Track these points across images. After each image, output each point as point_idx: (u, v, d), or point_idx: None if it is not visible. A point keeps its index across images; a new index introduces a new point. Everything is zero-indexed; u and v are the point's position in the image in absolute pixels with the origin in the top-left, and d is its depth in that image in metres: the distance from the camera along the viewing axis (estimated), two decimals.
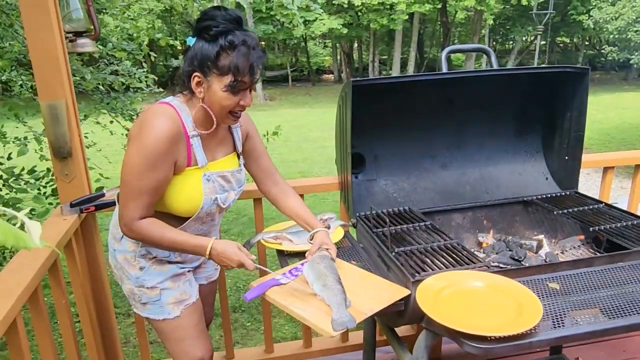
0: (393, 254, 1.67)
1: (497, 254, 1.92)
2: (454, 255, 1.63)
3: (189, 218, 1.58)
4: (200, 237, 1.57)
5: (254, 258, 1.56)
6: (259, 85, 22.15)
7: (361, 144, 2.21)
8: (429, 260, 1.61)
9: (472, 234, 2.20)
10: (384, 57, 30.52)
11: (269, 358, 2.49)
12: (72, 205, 1.98)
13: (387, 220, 1.65)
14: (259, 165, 1.79)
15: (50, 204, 3.24)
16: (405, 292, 1.48)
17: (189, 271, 1.74)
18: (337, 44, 28.22)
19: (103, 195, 2.01)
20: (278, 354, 2.49)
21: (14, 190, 3.03)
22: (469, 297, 1.41)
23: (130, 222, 1.48)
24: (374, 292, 1.49)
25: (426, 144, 2.33)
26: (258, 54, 1.44)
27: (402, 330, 2.59)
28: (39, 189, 3.19)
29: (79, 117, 2.19)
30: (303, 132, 13.26)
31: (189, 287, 1.71)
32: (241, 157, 1.73)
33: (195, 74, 1.45)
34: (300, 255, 1.83)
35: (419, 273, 1.52)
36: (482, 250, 2.03)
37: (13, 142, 3.49)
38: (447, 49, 2.11)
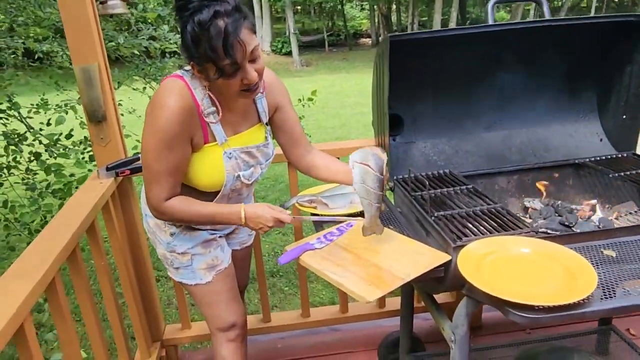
0: (432, 218, 1.59)
1: (545, 219, 1.81)
2: (497, 220, 1.54)
3: (218, 192, 1.55)
4: (232, 205, 1.53)
5: (288, 213, 1.52)
6: (294, 51, 21.89)
7: (399, 105, 2.11)
8: (470, 225, 1.53)
9: (518, 198, 2.09)
10: (423, 18, 29.42)
11: (305, 322, 2.49)
12: (108, 169, 1.99)
13: (427, 183, 1.57)
14: (290, 136, 1.71)
15: (90, 170, 3.31)
16: (445, 257, 1.41)
17: (220, 237, 1.72)
18: (375, 6, 27.37)
19: (138, 159, 2.01)
20: (314, 319, 2.49)
21: (55, 155, 3.11)
22: (514, 264, 1.32)
23: (158, 204, 1.46)
24: (412, 257, 1.43)
25: (469, 104, 2.20)
26: (233, 25, 1.21)
27: (441, 297, 2.53)
28: (76, 155, 3.26)
29: (113, 85, 2.18)
30: (340, 97, 13.06)
31: (220, 252, 1.69)
32: (268, 128, 1.66)
33: (191, 62, 1.33)
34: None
35: (460, 238, 1.44)
36: (528, 216, 1.92)
37: (55, 109, 3.56)
38: None
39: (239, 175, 1.54)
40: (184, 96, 1.38)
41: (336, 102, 12.20)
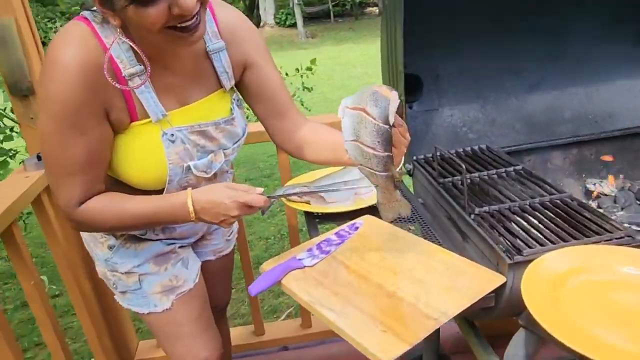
0: (472, 216, 1.11)
1: (623, 209, 1.31)
2: (569, 218, 1.05)
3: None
4: (174, 194, 1.05)
5: (260, 190, 1.04)
6: (299, 23, 21.16)
7: (416, 62, 1.60)
8: (528, 226, 1.05)
9: (577, 180, 1.59)
10: None
11: (307, 334, 2.05)
12: (40, 158, 1.52)
13: (464, 167, 1.08)
14: (271, 105, 1.17)
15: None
16: (497, 280, 0.94)
17: (182, 247, 1.25)
18: None
19: None
20: (317, 329, 2.05)
21: None
22: (612, 294, 0.84)
23: (69, 211, 0.99)
24: (446, 279, 0.96)
25: (507, 56, 1.68)
26: None
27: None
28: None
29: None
30: (347, 68, 12.46)
31: (182, 269, 1.23)
32: (235, 96, 1.17)
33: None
34: (336, 218, 1.31)
35: (518, 250, 0.96)
36: (597, 204, 1.43)
37: None
38: None
39: (189, 167, 1.06)
40: (86, 46, 0.89)
41: (343, 74, 11.60)
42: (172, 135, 1.03)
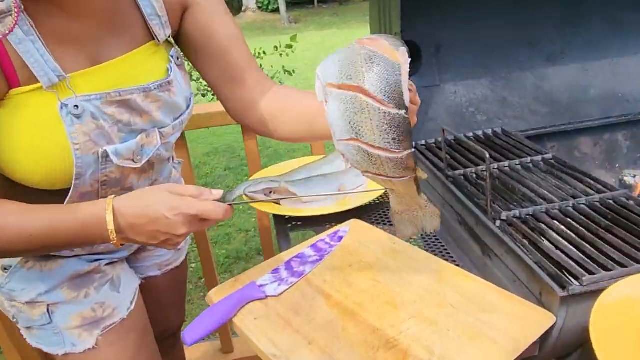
0: (498, 223, 0.81)
1: None
2: (632, 226, 0.76)
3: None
4: (87, 203, 0.73)
5: (218, 194, 0.73)
6: (282, 8, 20.69)
7: (413, 28, 1.30)
8: (577, 237, 0.75)
9: (610, 170, 1.31)
10: None
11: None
12: None
13: (487, 155, 0.78)
14: (225, 66, 0.84)
15: None
16: (544, 320, 0.65)
17: (110, 264, 0.93)
18: None
19: None
20: None
21: None
22: None
23: None
24: (471, 318, 0.66)
25: (521, 24, 1.39)
26: None
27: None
28: None
29: None
30: (330, 54, 12.08)
31: (110, 294, 0.90)
32: (174, 51, 0.83)
33: None
34: (315, 222, 1.01)
35: (573, 277, 0.66)
36: None
37: None
38: None
39: (106, 154, 0.74)
40: None
41: None
42: (77, 107, 0.70)
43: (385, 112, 0.52)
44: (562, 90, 1.40)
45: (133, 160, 0.77)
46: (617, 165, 1.30)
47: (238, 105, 0.87)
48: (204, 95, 3.69)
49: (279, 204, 1.04)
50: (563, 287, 0.65)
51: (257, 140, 1.41)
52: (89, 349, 0.88)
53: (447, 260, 0.89)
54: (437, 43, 1.38)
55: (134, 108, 0.75)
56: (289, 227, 1.02)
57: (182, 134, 1.38)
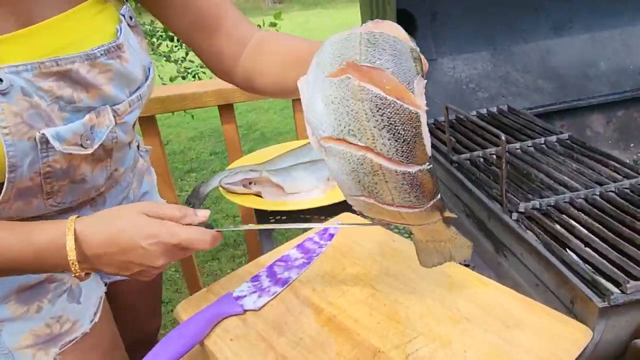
0: (515, 215, 0.69)
1: None
2: None
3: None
4: (43, 224, 0.60)
5: (205, 215, 0.59)
6: None
7: None
8: (611, 234, 0.64)
9: (624, 151, 1.20)
10: None
11: None
12: None
13: (503, 138, 0.66)
14: (194, 13, 0.69)
15: None
16: (581, 337, 0.53)
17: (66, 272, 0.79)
18: None
19: None
20: None
21: None
22: None
23: None
24: (493, 336, 0.55)
25: None
26: None
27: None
28: None
29: None
30: (316, 34, 11.87)
31: (69, 305, 0.77)
32: (126, 8, 0.68)
33: None
34: (301, 218, 0.88)
35: (615, 283, 0.55)
36: None
37: None
38: None
39: (45, 139, 0.59)
40: None
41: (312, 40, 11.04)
42: (1, 81, 0.56)
43: (404, 173, 0.41)
44: (569, 63, 1.28)
45: (82, 146, 0.63)
46: (632, 145, 1.19)
47: (215, 58, 0.73)
48: (184, 78, 3.51)
49: (260, 196, 0.91)
50: (602, 296, 0.54)
51: (241, 123, 1.27)
52: None
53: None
54: (432, 11, 1.24)
55: (77, 81, 0.61)
56: (272, 220, 0.89)
57: (153, 119, 1.24)
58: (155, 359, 0.55)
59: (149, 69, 0.72)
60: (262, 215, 0.90)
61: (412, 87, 0.39)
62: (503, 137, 0.66)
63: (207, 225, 0.56)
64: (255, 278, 0.68)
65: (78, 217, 0.58)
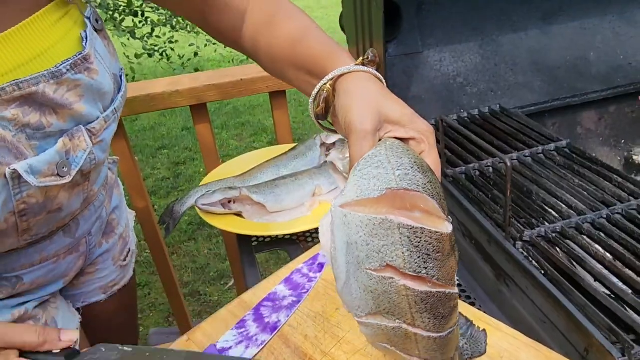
0: (520, 245, 0.65)
1: None
2: None
3: None
4: None
5: (70, 339, 0.50)
6: None
7: None
8: (622, 266, 0.60)
9: (615, 147, 1.17)
10: None
11: None
12: None
13: (509, 164, 0.60)
14: None
15: None
16: None
17: (42, 305, 0.72)
18: None
19: None
20: None
21: None
22: None
23: None
24: None
25: None
26: None
27: None
28: None
29: None
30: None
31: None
32: (90, 11, 0.59)
33: None
34: (287, 242, 0.82)
35: (636, 334, 0.51)
36: None
37: None
38: None
39: (17, 174, 0.51)
40: None
41: None
42: None
43: (436, 338, 0.42)
44: (559, 56, 1.23)
45: (58, 175, 0.55)
46: (623, 141, 1.15)
47: (220, 37, 0.66)
48: (150, 56, 3.33)
49: (242, 216, 0.84)
50: (623, 350, 0.50)
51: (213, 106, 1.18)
52: None
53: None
54: (418, 1, 1.16)
55: (44, 103, 0.52)
56: (254, 245, 0.82)
57: (119, 121, 1.14)
58: None
59: (121, 77, 0.64)
60: (244, 243, 0.83)
61: (454, 281, 0.41)
62: (509, 164, 0.61)
63: (71, 351, 0.47)
64: (241, 324, 0.62)
65: None
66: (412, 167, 0.40)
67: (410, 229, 0.38)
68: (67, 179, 0.56)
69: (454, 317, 0.42)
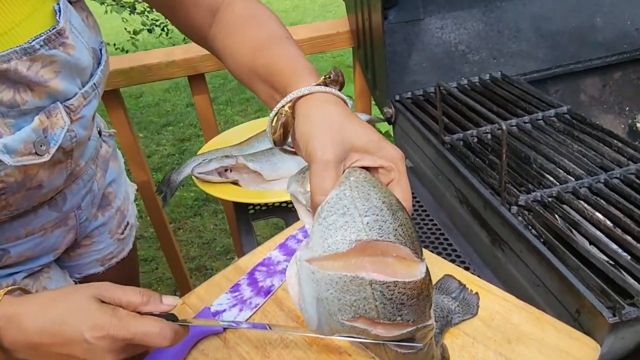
0: (514, 209, 0.64)
1: None
2: None
3: None
4: None
5: (172, 303, 0.49)
6: None
7: None
8: (620, 232, 0.60)
9: (619, 115, 1.14)
10: None
11: None
12: None
13: (504, 127, 0.59)
14: None
15: None
16: (588, 351, 0.50)
17: (30, 275, 0.72)
18: None
19: None
20: None
21: None
22: None
23: None
24: (496, 354, 0.51)
25: None
26: None
27: None
28: None
29: None
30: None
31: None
32: None
33: None
34: (283, 209, 0.82)
35: (628, 296, 0.51)
36: None
37: None
38: None
39: None
40: None
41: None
42: None
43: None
44: (563, 21, 1.20)
45: (36, 154, 0.55)
46: (627, 108, 1.13)
47: (188, 32, 0.65)
48: (150, 31, 3.30)
49: (238, 184, 0.84)
50: (613, 309, 0.49)
51: (217, 73, 1.17)
52: None
53: (446, 249, 0.72)
54: None
55: (17, 80, 0.51)
56: (251, 213, 0.82)
57: (117, 93, 1.13)
58: None
59: (101, 50, 0.63)
60: (240, 210, 0.83)
61: (430, 313, 0.42)
62: (504, 127, 0.60)
63: (169, 316, 0.47)
64: (235, 287, 0.62)
65: (12, 288, 0.48)
66: (380, 210, 0.38)
67: (383, 284, 0.37)
68: (46, 158, 0.55)
69: (428, 337, 0.43)
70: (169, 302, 0.48)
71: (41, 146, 0.54)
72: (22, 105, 0.52)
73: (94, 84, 0.61)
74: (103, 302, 0.46)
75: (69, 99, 0.57)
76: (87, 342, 0.43)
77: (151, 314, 0.46)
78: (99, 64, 0.62)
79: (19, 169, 0.54)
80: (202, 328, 0.57)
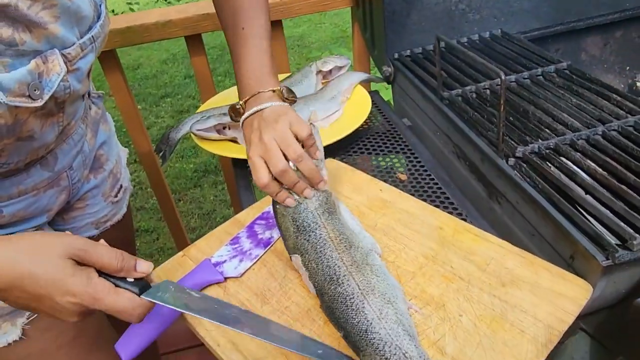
0: (511, 160, 0.65)
1: None
2: None
3: None
4: None
5: (147, 268, 0.51)
6: None
7: None
8: (615, 181, 0.60)
9: (619, 74, 1.14)
10: None
11: None
12: None
13: (503, 77, 0.59)
14: None
15: None
16: (581, 292, 0.51)
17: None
18: None
19: None
20: None
21: None
22: None
23: None
24: (491, 296, 0.52)
25: None
26: None
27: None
28: None
29: None
30: None
31: None
32: None
33: None
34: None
35: (620, 239, 0.52)
36: None
37: None
38: None
39: None
40: None
41: None
42: None
43: None
44: None
45: (30, 97, 0.55)
46: (628, 68, 1.12)
47: None
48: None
49: (237, 142, 0.84)
50: (606, 253, 0.50)
51: (215, 44, 1.16)
52: (14, 340, 0.71)
53: (443, 202, 0.73)
54: None
55: (17, 18, 0.51)
56: (250, 169, 0.82)
57: (113, 53, 1.12)
58: (129, 341, 0.51)
59: (100, 5, 0.62)
60: (239, 163, 0.84)
61: None
62: (503, 77, 0.60)
63: (142, 282, 0.48)
64: (235, 240, 0.63)
65: None
66: None
67: None
68: (39, 103, 0.55)
69: None
70: (142, 269, 0.50)
71: (35, 90, 0.54)
72: (20, 45, 0.52)
73: (92, 36, 0.60)
74: (78, 262, 0.47)
75: (66, 48, 0.56)
76: (57, 304, 0.46)
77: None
78: (98, 18, 0.61)
79: (10, 111, 0.53)
80: (203, 278, 0.58)
